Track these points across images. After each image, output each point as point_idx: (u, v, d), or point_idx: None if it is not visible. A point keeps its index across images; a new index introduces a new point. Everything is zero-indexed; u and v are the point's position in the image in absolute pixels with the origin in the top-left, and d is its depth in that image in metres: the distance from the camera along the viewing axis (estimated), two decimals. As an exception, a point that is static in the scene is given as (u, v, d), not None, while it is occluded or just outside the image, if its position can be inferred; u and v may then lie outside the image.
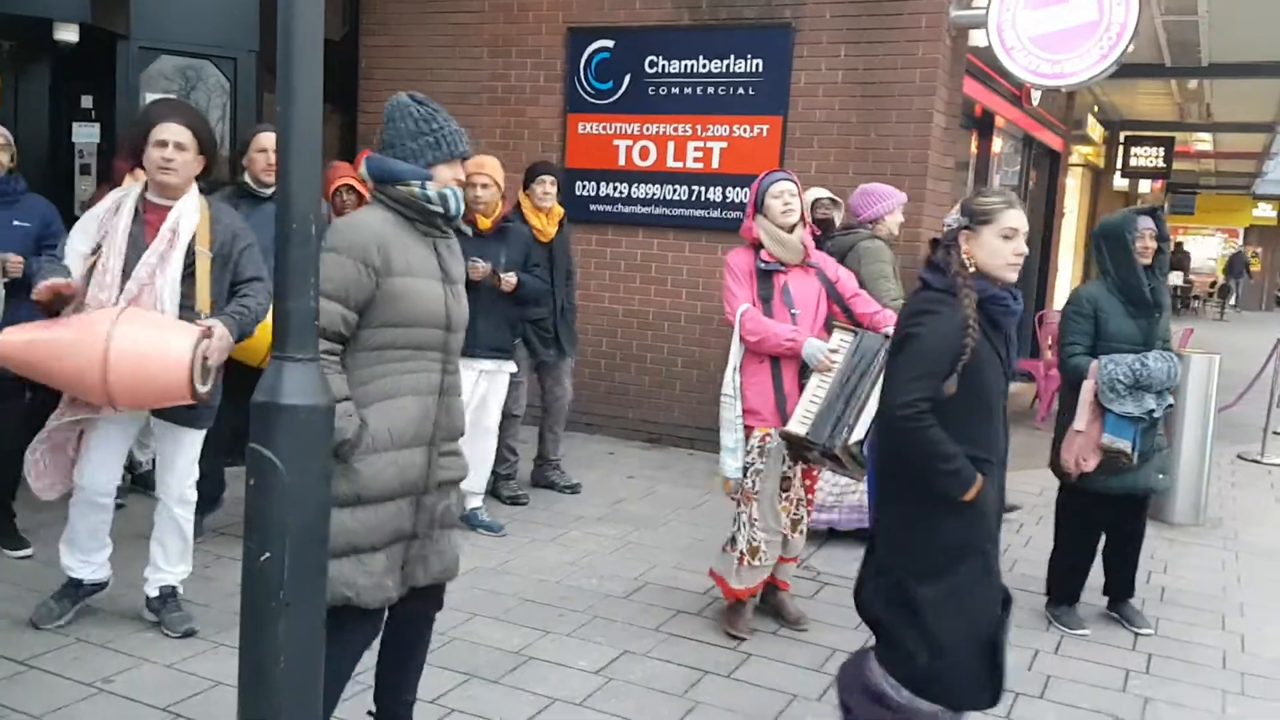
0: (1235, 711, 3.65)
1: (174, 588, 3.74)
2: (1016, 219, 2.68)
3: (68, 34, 5.67)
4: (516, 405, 5.57)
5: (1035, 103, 8.30)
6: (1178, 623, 4.45)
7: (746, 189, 6.61)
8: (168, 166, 3.43)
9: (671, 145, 7.03)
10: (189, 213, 3.51)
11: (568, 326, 5.81)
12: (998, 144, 8.62)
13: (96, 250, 3.42)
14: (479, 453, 4.88)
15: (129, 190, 3.55)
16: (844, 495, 5.08)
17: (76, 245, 3.46)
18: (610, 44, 7.10)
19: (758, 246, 3.94)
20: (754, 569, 3.90)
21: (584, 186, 7.19)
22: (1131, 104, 12.81)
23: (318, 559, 2.03)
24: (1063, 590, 4.36)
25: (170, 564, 3.72)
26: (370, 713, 2.83)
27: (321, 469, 2.02)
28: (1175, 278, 25.74)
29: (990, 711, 3.51)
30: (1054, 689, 3.73)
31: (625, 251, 7.24)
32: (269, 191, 4.30)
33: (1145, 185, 16.66)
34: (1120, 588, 4.40)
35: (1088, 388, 4.08)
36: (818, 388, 3.75)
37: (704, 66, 6.86)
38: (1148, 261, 4.11)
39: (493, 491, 5.49)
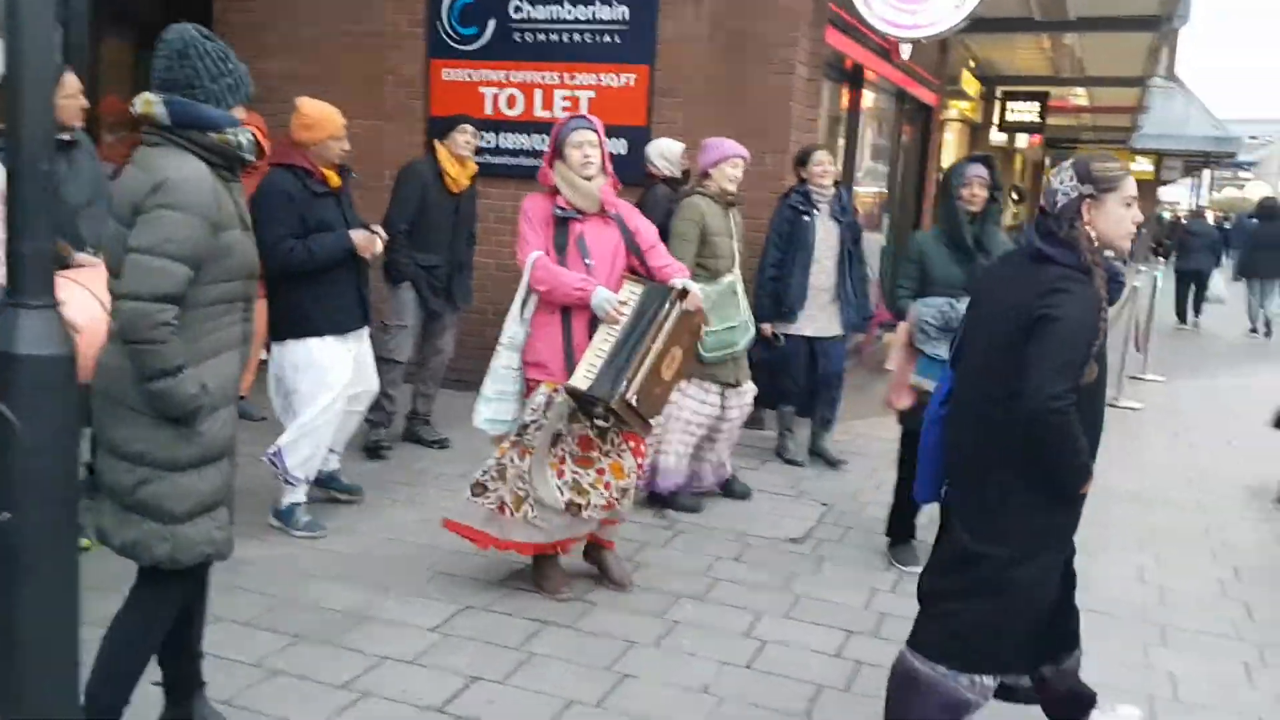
0: (1059, 642, 3.79)
1: None
2: (1134, 185, 2.59)
3: None
4: (400, 351, 5.47)
5: (905, 56, 8.35)
6: (1015, 560, 4.58)
7: (618, 140, 6.56)
8: None
9: (539, 94, 6.90)
10: None
11: (463, 282, 5.77)
12: (869, 98, 8.68)
13: None
14: (353, 417, 4.68)
15: None
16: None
17: None
18: (473, -13, 6.90)
19: (555, 192, 3.81)
20: (526, 525, 3.72)
21: (450, 137, 6.99)
22: (1007, 59, 13.03)
23: (64, 519, 1.91)
24: (896, 528, 4.47)
25: None
26: (157, 683, 2.71)
27: (63, 424, 1.90)
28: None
29: (822, 649, 3.61)
30: (887, 625, 3.81)
31: (494, 204, 7.09)
32: (68, 137, 3.86)
33: (1023, 140, 17.08)
34: None
35: (901, 329, 4.17)
36: (604, 341, 3.68)
37: (570, 13, 6.72)
38: (976, 209, 4.16)
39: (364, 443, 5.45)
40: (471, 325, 7.00)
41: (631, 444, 3.92)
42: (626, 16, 6.57)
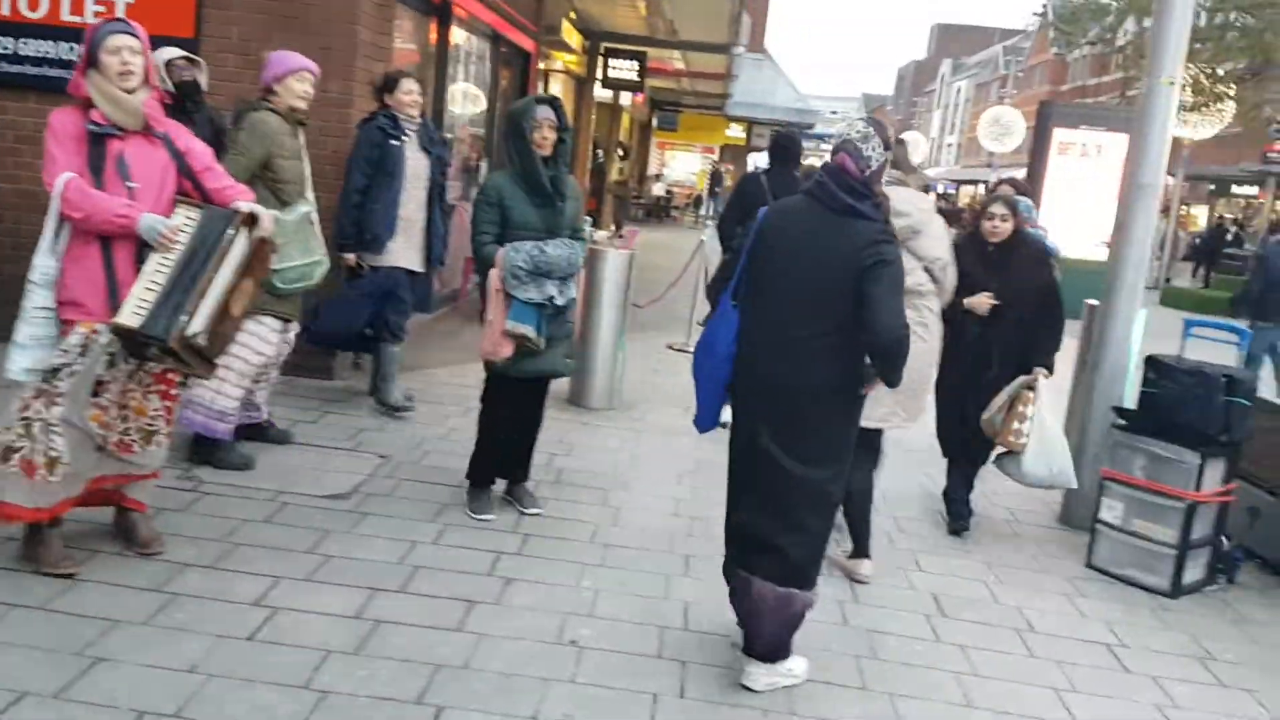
0: (589, 583, 3.84)
1: None
2: None
3: None
4: None
5: (494, -5, 8.20)
6: (564, 501, 4.65)
7: (158, 50, 5.79)
8: None
9: (65, -6, 5.94)
10: None
11: None
12: (460, 35, 8.44)
13: None
14: None
15: None
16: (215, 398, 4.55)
17: None
18: None
19: (89, 106, 3.31)
20: (51, 484, 3.26)
21: (-51, 37, 5.84)
22: (605, 14, 13.31)
23: None
24: (477, 473, 4.40)
25: None
26: None
27: None
28: (659, 188, 28.21)
29: (339, 611, 3.40)
30: (419, 580, 3.67)
31: (12, 119, 6.09)
32: None
33: (628, 98, 17.71)
34: (518, 471, 4.51)
35: (494, 276, 4.05)
36: (157, 272, 3.27)
37: (100, -98, 5.81)
38: (547, 152, 4.09)
39: None
40: (-22, 261, 5.96)
41: (161, 386, 3.50)
42: (168, -87, 5.79)
